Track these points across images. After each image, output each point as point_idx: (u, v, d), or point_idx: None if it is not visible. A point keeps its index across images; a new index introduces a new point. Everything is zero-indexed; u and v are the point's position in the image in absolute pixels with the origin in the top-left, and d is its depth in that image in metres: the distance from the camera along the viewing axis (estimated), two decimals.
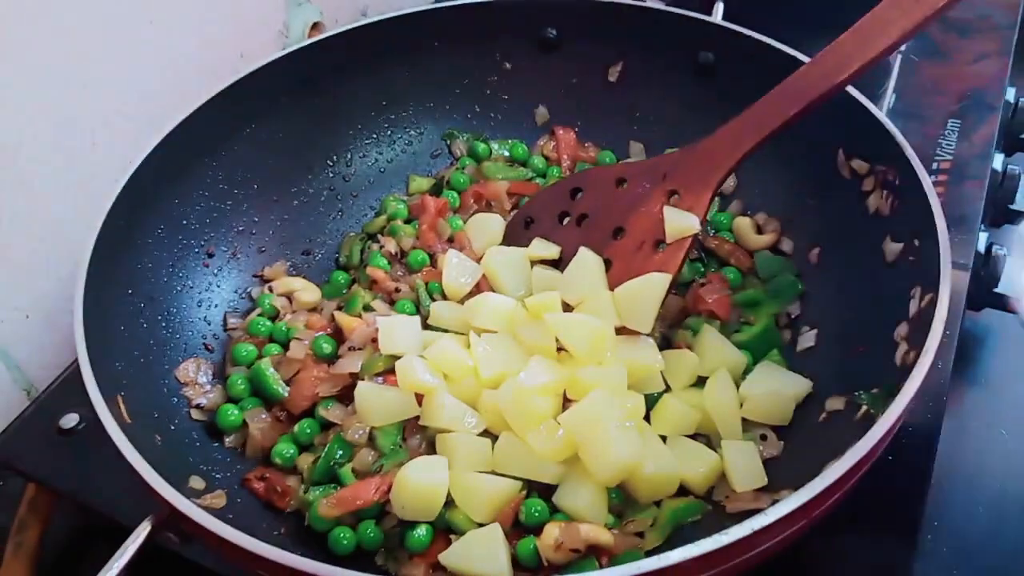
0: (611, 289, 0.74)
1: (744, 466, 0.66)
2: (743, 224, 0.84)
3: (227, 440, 0.72)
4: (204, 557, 0.66)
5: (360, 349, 0.75)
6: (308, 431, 0.72)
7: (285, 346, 0.78)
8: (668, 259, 0.74)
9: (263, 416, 0.73)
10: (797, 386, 0.70)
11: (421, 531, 0.64)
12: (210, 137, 0.81)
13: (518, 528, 0.65)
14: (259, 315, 0.80)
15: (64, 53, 0.80)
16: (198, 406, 0.73)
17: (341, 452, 0.69)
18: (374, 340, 0.74)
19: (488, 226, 0.85)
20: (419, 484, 0.64)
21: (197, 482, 0.66)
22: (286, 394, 0.74)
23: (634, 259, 0.75)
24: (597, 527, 0.63)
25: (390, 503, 0.65)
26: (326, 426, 0.73)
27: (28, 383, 0.85)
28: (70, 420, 0.74)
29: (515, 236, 0.84)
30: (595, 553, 0.63)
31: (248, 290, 0.84)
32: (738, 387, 0.71)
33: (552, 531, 0.62)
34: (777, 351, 0.75)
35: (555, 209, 0.82)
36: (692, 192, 0.74)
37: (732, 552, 0.50)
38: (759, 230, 0.84)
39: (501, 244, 0.83)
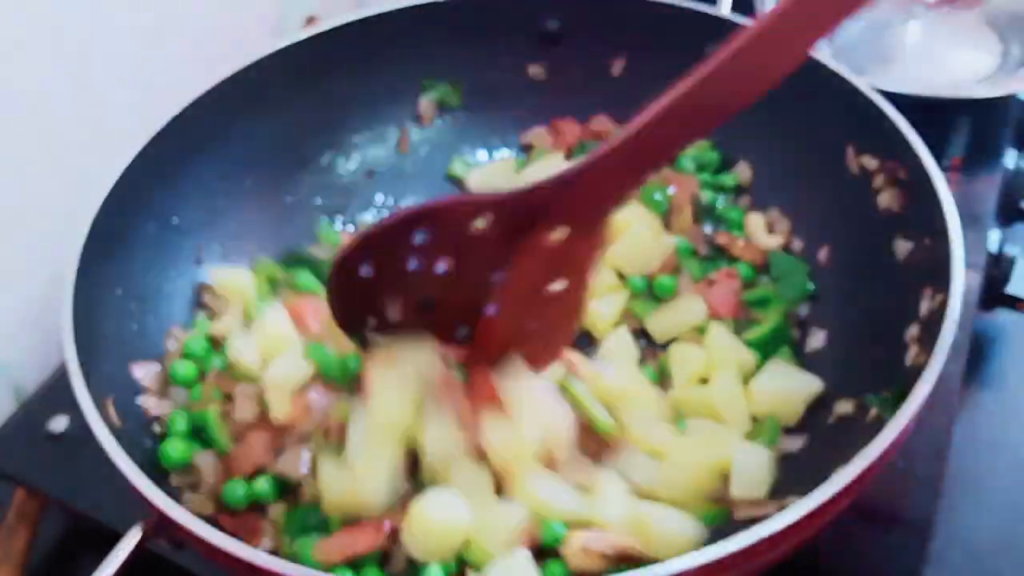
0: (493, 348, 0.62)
1: (750, 472, 0.64)
2: (755, 222, 0.82)
3: (173, 479, 0.65)
4: (196, 563, 0.65)
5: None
6: (266, 489, 0.65)
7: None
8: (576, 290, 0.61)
9: (212, 456, 0.66)
10: (808, 385, 0.69)
11: (435, 572, 0.60)
12: (202, 134, 0.79)
13: (541, 555, 0.61)
14: (196, 336, 0.74)
15: (51, 50, 0.79)
16: (157, 418, 0.69)
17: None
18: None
19: None
20: (438, 522, 0.59)
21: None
22: (230, 451, 0.66)
23: (529, 305, 0.62)
24: (624, 535, 0.60)
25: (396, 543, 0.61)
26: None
27: (16, 385, 0.83)
28: (59, 424, 0.73)
29: (346, 302, 0.63)
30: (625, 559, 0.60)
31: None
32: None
33: (577, 538, 0.60)
34: (788, 349, 0.73)
35: (397, 258, 0.62)
36: (584, 226, 0.59)
37: (738, 559, 0.49)
38: (770, 228, 0.83)
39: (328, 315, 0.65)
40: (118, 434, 0.57)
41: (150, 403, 0.70)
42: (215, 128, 0.80)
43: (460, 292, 0.62)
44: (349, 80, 0.88)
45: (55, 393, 0.76)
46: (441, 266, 0.62)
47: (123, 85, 0.86)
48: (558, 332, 0.65)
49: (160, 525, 0.55)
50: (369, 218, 0.89)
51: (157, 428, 0.69)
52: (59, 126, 0.81)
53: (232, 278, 0.78)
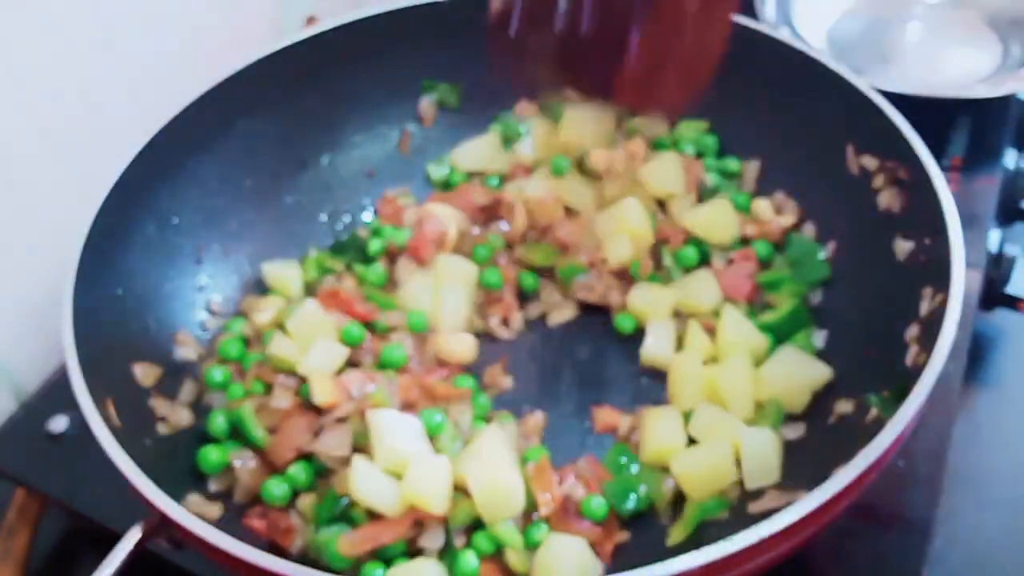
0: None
1: (758, 458, 0.64)
2: (762, 206, 0.81)
3: (211, 485, 0.67)
4: (197, 564, 0.64)
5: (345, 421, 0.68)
6: (302, 477, 0.66)
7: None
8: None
9: (250, 457, 0.67)
10: (817, 373, 0.69)
11: (469, 556, 0.61)
12: (201, 134, 0.79)
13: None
14: (232, 338, 0.75)
15: (49, 50, 0.78)
16: (162, 419, 0.69)
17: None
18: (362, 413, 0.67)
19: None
20: (498, 481, 0.62)
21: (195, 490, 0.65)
22: (267, 443, 0.67)
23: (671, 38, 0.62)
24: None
25: (424, 528, 0.62)
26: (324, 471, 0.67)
27: (16, 385, 0.83)
28: (59, 424, 0.73)
29: (501, 58, 0.68)
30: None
31: (242, 288, 0.82)
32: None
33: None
34: (805, 333, 0.73)
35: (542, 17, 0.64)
36: None
37: (738, 559, 0.49)
38: (778, 211, 0.82)
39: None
40: (118, 434, 0.57)
41: (158, 404, 0.70)
42: (215, 128, 0.80)
43: (606, 43, 0.62)
44: (349, 80, 0.87)
45: (55, 393, 0.76)
46: (585, 23, 0.62)
47: (123, 85, 0.86)
48: (702, 63, 0.66)
49: (160, 525, 0.56)
50: (370, 218, 0.89)
51: (163, 429, 0.69)
52: (59, 126, 0.81)
53: (283, 271, 0.80)
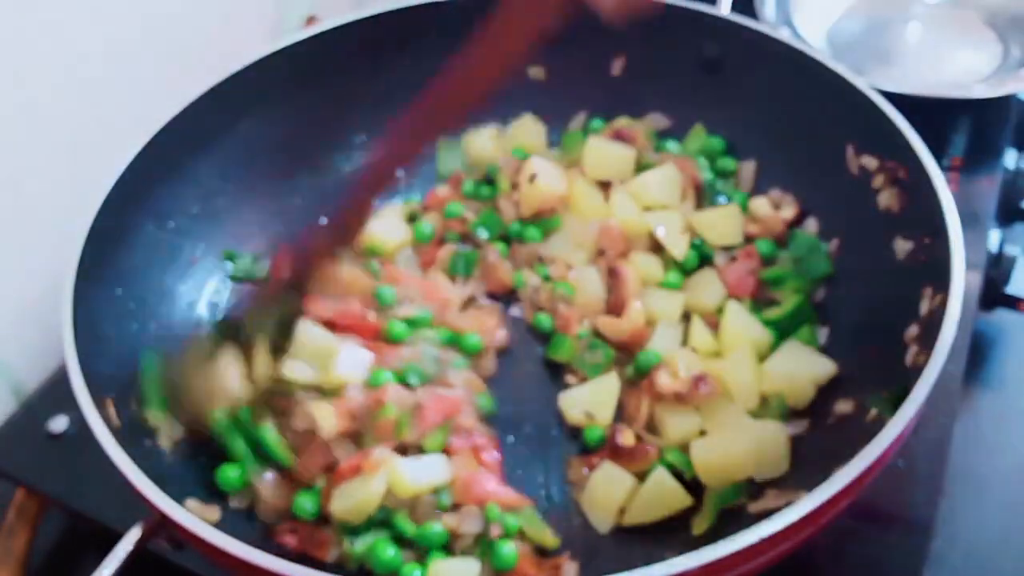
0: None
1: (768, 449, 0.65)
2: (759, 204, 0.81)
3: (231, 502, 0.65)
4: (197, 563, 0.65)
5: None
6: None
7: None
8: None
9: (270, 476, 0.65)
10: (821, 368, 0.69)
11: (508, 547, 0.62)
12: (201, 134, 0.79)
13: None
14: None
15: (49, 48, 0.78)
16: (155, 429, 0.67)
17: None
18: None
19: None
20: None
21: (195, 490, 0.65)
22: (292, 463, 0.66)
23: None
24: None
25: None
26: None
27: (16, 385, 0.83)
28: (59, 424, 0.73)
29: None
30: None
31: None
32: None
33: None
34: (808, 328, 0.73)
35: None
36: None
37: (738, 559, 0.49)
38: (776, 206, 0.82)
39: None
40: (118, 434, 0.57)
41: (151, 414, 0.69)
42: (215, 128, 0.80)
43: None
44: (349, 80, 0.87)
45: (55, 393, 0.76)
46: None
47: (123, 85, 0.86)
48: None
49: (160, 525, 0.56)
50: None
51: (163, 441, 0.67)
52: (59, 126, 0.81)
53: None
